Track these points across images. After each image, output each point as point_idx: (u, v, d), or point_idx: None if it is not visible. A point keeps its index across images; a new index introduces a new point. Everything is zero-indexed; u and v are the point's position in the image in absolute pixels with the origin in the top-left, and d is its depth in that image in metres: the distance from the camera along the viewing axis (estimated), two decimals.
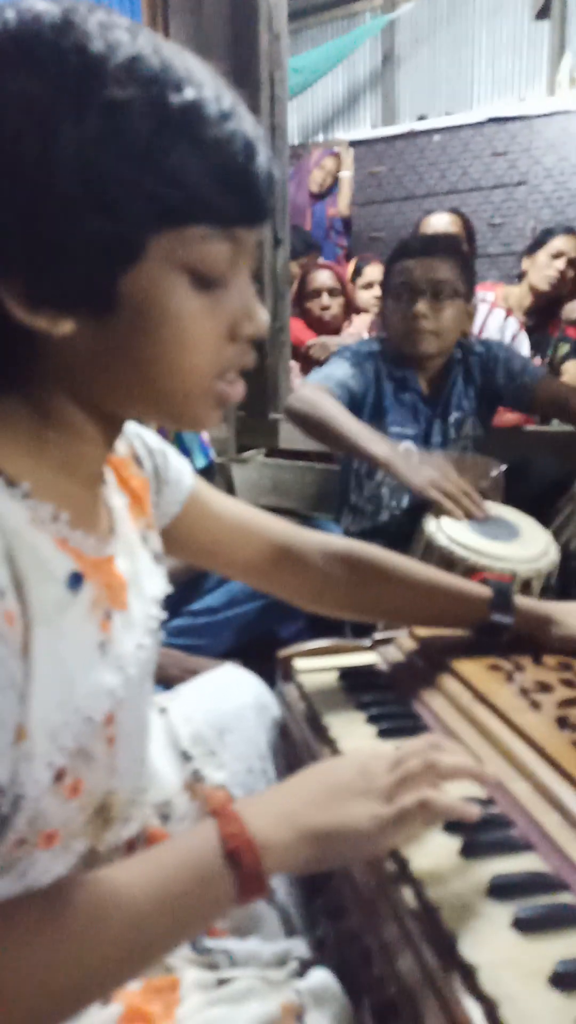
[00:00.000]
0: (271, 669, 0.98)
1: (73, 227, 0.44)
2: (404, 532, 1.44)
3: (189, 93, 0.45)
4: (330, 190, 4.70)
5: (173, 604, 1.57)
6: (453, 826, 0.60)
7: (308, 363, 2.85)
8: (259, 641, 1.47)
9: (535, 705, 0.76)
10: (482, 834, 0.59)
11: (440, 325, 1.58)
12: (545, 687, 0.79)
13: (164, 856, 0.51)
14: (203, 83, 0.46)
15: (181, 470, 0.76)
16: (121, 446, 0.68)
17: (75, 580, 0.52)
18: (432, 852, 0.58)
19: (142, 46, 0.45)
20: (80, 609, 0.52)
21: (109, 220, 0.44)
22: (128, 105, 0.43)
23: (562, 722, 0.72)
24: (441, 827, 0.60)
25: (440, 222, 2.52)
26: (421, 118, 4.63)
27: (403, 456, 1.37)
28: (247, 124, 0.47)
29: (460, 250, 1.66)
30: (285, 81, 2.29)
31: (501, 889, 0.54)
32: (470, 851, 0.58)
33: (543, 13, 4.48)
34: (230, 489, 2.42)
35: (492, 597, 0.85)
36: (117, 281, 0.47)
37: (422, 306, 1.55)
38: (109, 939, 0.47)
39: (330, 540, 0.85)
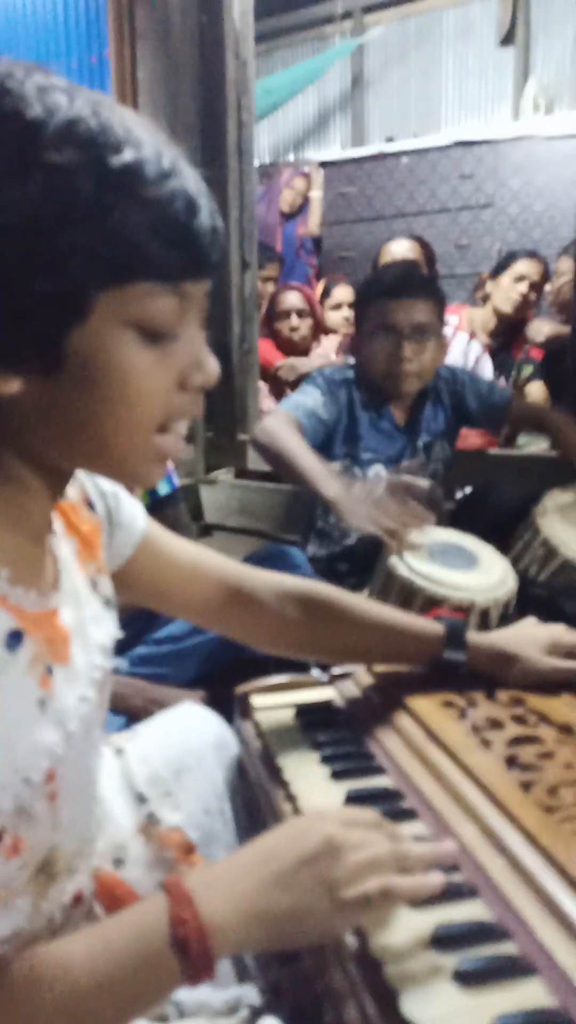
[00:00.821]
0: (233, 699, 0.98)
1: (18, 288, 0.45)
2: (370, 556, 1.45)
3: (128, 154, 0.46)
4: (300, 210, 4.74)
5: (137, 632, 1.56)
6: None
7: (277, 384, 2.86)
8: (223, 669, 1.47)
9: (485, 743, 0.77)
10: None
11: (423, 366, 1.61)
12: (496, 724, 0.81)
13: (110, 934, 0.51)
14: (142, 143, 0.47)
15: (134, 513, 0.77)
16: (72, 490, 0.68)
17: (13, 638, 0.52)
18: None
19: (80, 108, 0.46)
20: (18, 668, 0.52)
21: (54, 280, 0.45)
22: (67, 168, 0.44)
23: (511, 761, 0.73)
24: None
25: (400, 248, 2.56)
26: (390, 140, 4.69)
27: (350, 497, 1.40)
28: (188, 181, 0.48)
29: (436, 287, 1.67)
30: (252, 106, 2.31)
31: (444, 940, 0.54)
32: (417, 903, 0.58)
33: (508, 39, 4.57)
34: (198, 511, 2.42)
35: (445, 635, 0.86)
36: (64, 339, 0.47)
37: (408, 351, 1.58)
38: (43, 1019, 0.46)
39: (284, 580, 0.85)
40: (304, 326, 2.99)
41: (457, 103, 4.85)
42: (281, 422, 1.53)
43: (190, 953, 0.49)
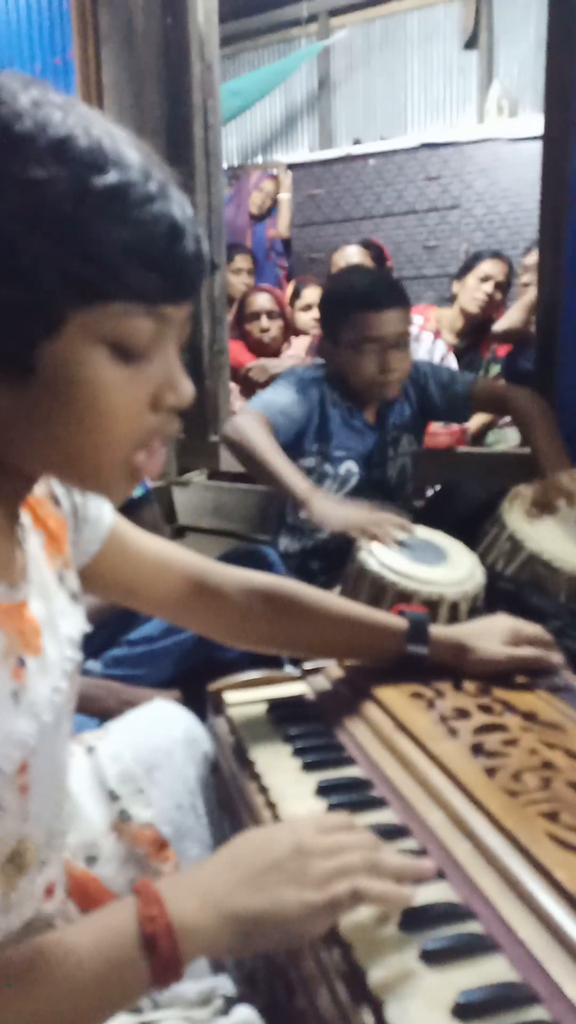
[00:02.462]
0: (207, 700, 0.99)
1: None
2: (342, 552, 1.46)
3: (112, 175, 0.46)
4: (269, 211, 4.76)
5: (111, 634, 1.56)
6: None
7: (248, 385, 2.87)
8: (198, 669, 1.47)
9: (452, 732, 0.78)
10: None
11: (404, 371, 1.64)
12: (463, 713, 0.82)
13: (78, 936, 0.50)
14: (131, 165, 0.47)
15: (100, 508, 0.77)
16: (39, 486, 0.69)
17: None
18: None
19: (72, 126, 0.46)
20: None
21: (26, 293, 0.46)
22: (49, 184, 0.45)
23: (477, 749, 0.75)
24: None
25: (348, 254, 2.63)
26: (356, 142, 4.73)
27: (321, 496, 1.42)
28: (174, 205, 0.49)
29: (405, 292, 1.68)
30: (218, 108, 2.32)
31: (411, 921, 0.55)
32: None
33: (471, 43, 4.63)
34: (171, 512, 2.42)
35: (407, 629, 0.88)
36: (34, 350, 0.48)
37: (394, 360, 1.60)
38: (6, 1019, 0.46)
39: (251, 576, 0.86)
40: (274, 327, 3.01)
41: (422, 106, 4.91)
42: (252, 420, 1.54)
43: (159, 952, 0.49)
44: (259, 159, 5.51)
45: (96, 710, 1.37)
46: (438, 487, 2.07)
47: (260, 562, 1.56)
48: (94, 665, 1.47)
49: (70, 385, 0.49)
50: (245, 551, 1.61)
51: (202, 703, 0.99)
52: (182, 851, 0.84)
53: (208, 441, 2.45)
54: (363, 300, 1.60)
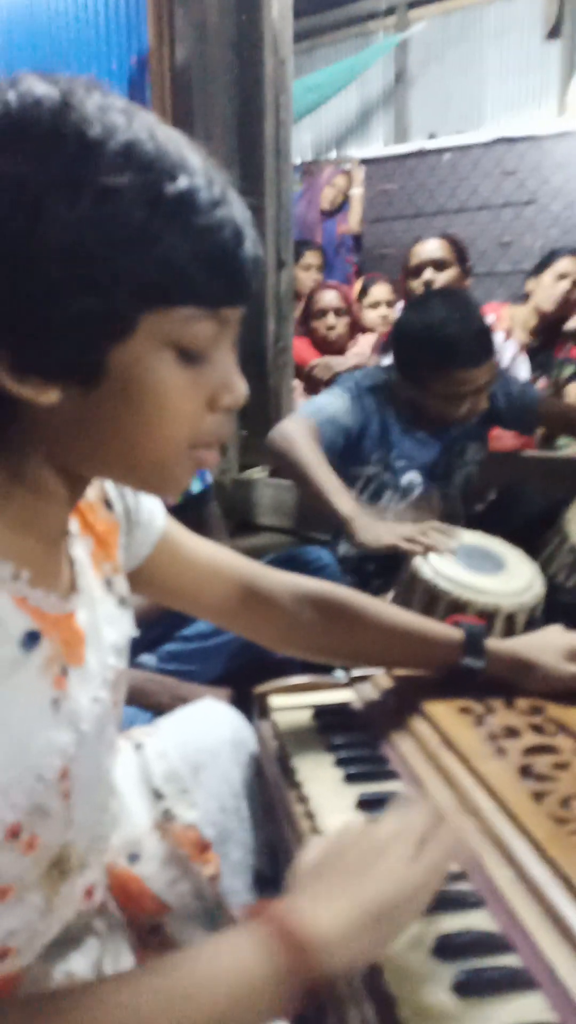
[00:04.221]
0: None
1: (64, 304, 0.46)
2: (399, 557, 1.44)
3: (183, 182, 0.46)
4: (341, 207, 4.71)
5: (167, 628, 1.58)
6: None
7: (312, 383, 2.86)
8: (250, 667, 1.48)
9: (501, 752, 0.76)
10: None
11: (482, 407, 1.59)
12: (513, 732, 0.80)
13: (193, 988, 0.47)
14: (196, 170, 0.48)
15: (153, 511, 0.77)
16: (91, 489, 0.70)
17: (30, 639, 0.53)
18: None
19: (137, 130, 0.46)
20: (33, 668, 0.53)
21: (100, 299, 0.46)
22: (123, 191, 0.45)
23: (525, 771, 0.73)
24: None
25: (429, 248, 2.53)
26: (432, 136, 4.65)
27: (363, 517, 1.38)
28: (236, 210, 0.49)
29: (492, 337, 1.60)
30: (290, 105, 2.31)
31: (446, 949, 0.54)
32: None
33: (554, 33, 4.49)
34: (231, 509, 2.44)
35: (463, 641, 0.86)
36: (106, 355, 0.48)
37: (480, 404, 1.56)
38: None
39: (301, 582, 0.86)
40: (341, 325, 2.98)
41: (500, 99, 4.79)
42: (299, 428, 1.51)
43: (301, 972, 0.48)
44: (332, 154, 5.47)
45: (150, 704, 1.39)
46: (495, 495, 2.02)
47: (312, 564, 1.55)
48: (149, 659, 1.49)
49: (138, 388, 0.50)
50: (298, 552, 1.60)
51: (252, 702, 0.99)
52: (224, 854, 0.84)
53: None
54: (462, 358, 1.49)
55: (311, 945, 0.48)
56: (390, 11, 5.01)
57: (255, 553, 2.21)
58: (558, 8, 4.42)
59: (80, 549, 0.64)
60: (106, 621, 0.65)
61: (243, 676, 1.44)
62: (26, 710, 0.52)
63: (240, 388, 0.55)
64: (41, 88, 0.46)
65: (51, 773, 0.54)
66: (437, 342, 1.50)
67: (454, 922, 0.57)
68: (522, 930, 0.56)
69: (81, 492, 0.60)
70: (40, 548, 0.57)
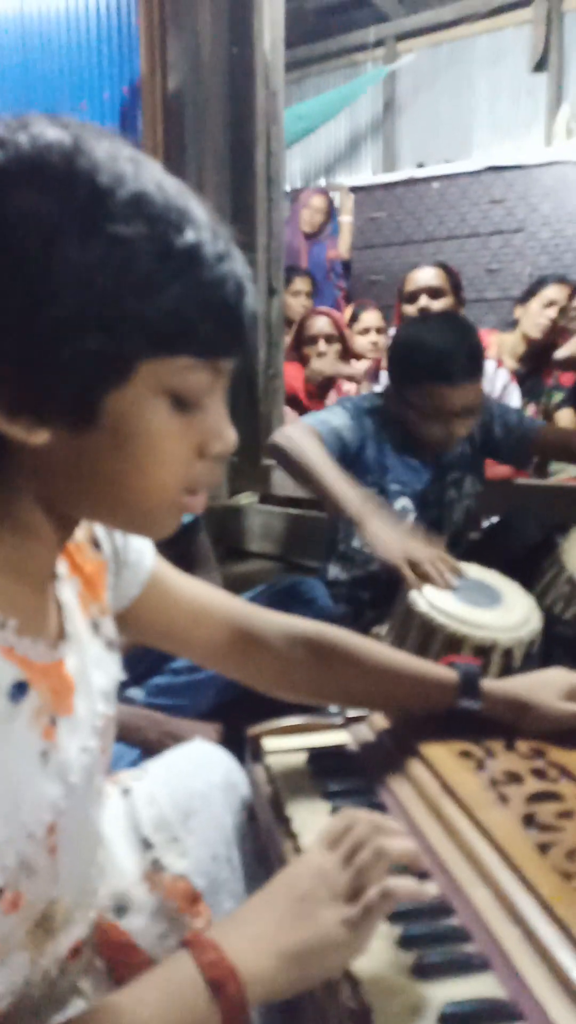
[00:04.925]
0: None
1: (66, 346, 0.45)
2: (393, 584, 1.42)
3: (190, 235, 0.47)
4: (321, 229, 4.68)
5: (155, 660, 1.55)
6: (408, 941, 0.58)
7: (300, 410, 2.86)
8: (240, 701, 1.45)
9: (503, 799, 0.74)
10: (437, 949, 0.57)
11: (469, 430, 1.59)
12: (515, 778, 0.77)
13: (142, 994, 0.51)
14: (201, 224, 0.48)
15: (141, 551, 0.75)
16: (79, 529, 0.68)
17: (18, 690, 0.51)
18: (383, 972, 0.56)
19: (146, 181, 0.47)
20: (22, 720, 0.51)
21: (103, 343, 0.46)
22: (132, 240, 0.45)
23: (528, 820, 0.70)
24: (394, 942, 0.58)
25: (426, 276, 2.55)
26: (420, 165, 4.70)
27: (376, 516, 1.34)
28: (238, 264, 0.50)
29: (482, 358, 1.58)
30: (281, 135, 2.33)
31: (453, 1019, 0.51)
32: (423, 972, 0.55)
33: (540, 65, 4.57)
34: (220, 535, 2.41)
35: (458, 682, 0.84)
36: (101, 399, 0.48)
37: (461, 427, 1.55)
38: None
39: (294, 623, 0.84)
40: (331, 351, 2.99)
41: (489, 128, 4.86)
42: (302, 430, 1.50)
43: (227, 995, 0.49)
44: (322, 182, 5.53)
45: (137, 740, 1.36)
46: (494, 519, 2.01)
47: (304, 594, 1.53)
48: (137, 693, 1.46)
49: (130, 434, 0.49)
50: (289, 583, 1.57)
51: (243, 738, 0.96)
52: (215, 904, 0.81)
53: (260, 465, 2.44)
54: (440, 373, 1.48)
55: (232, 968, 0.50)
56: (379, 43, 5.10)
57: (245, 581, 2.19)
58: (544, 40, 4.51)
59: (68, 591, 0.62)
60: (94, 665, 0.63)
61: (233, 710, 1.41)
62: (15, 764, 0.50)
63: (230, 437, 0.55)
64: (52, 132, 0.46)
65: (40, 829, 0.52)
66: (422, 354, 1.50)
67: (459, 988, 0.54)
68: (531, 997, 0.53)
69: (70, 533, 0.58)
70: (28, 593, 0.56)
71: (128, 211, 0.45)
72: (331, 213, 4.61)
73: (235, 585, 2.04)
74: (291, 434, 1.51)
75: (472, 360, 1.52)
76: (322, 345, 2.97)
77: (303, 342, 3.02)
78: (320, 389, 2.97)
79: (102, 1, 2.16)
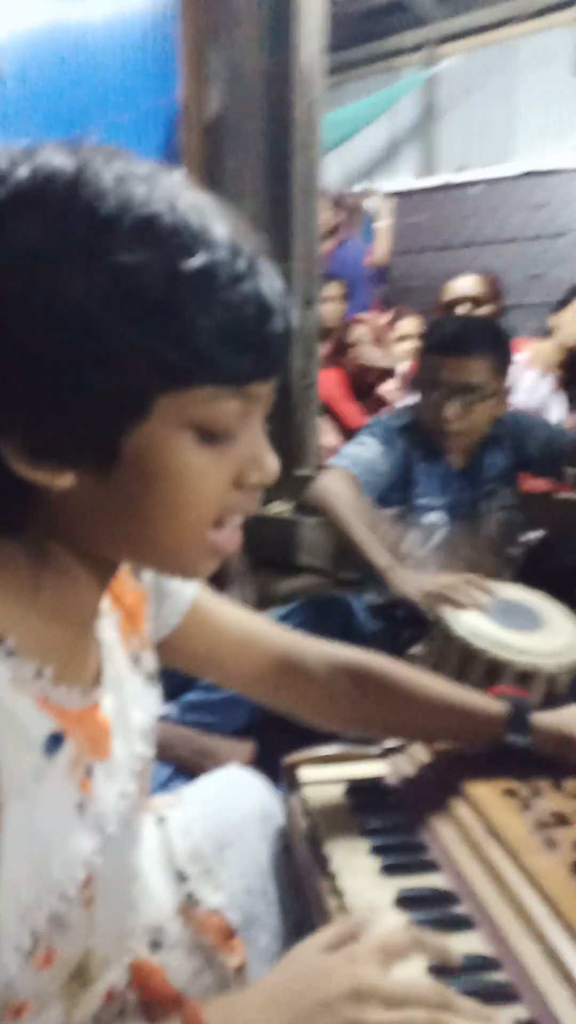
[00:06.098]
0: (284, 749, 0.94)
1: (78, 385, 0.43)
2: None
3: (201, 257, 0.43)
4: (335, 230, 4.55)
5: (187, 677, 1.54)
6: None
7: (337, 420, 2.83)
8: (274, 718, 1.43)
9: (550, 844, 0.71)
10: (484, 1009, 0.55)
11: (470, 426, 1.55)
12: (562, 820, 0.74)
13: None
14: (218, 243, 0.44)
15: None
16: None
17: (53, 742, 0.50)
18: None
19: (156, 202, 0.44)
20: (58, 773, 0.50)
21: (115, 380, 0.44)
22: (138, 268, 0.42)
23: None
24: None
25: (465, 285, 2.50)
26: (460, 169, 4.65)
27: (400, 569, 1.38)
28: (263, 282, 0.46)
29: (496, 343, 1.56)
30: (319, 144, 2.31)
31: None
32: None
33: None
34: (256, 547, 2.40)
35: (507, 715, 0.81)
36: (121, 438, 0.45)
37: (451, 410, 1.52)
38: None
39: (336, 652, 0.82)
40: None
41: (530, 132, 4.79)
42: (338, 481, 1.52)
43: None
44: (360, 186, 5.50)
45: (169, 757, 1.35)
46: (533, 536, 1.96)
47: (341, 611, 1.51)
48: (171, 710, 1.45)
49: (155, 471, 0.47)
50: (326, 599, 1.56)
51: (277, 757, 0.94)
52: (251, 939, 0.79)
53: (293, 475, 2.42)
54: (436, 342, 1.56)
55: None
56: (419, 47, 5.06)
57: (282, 594, 2.17)
58: None
59: (109, 628, 0.61)
60: (133, 703, 0.62)
61: (267, 728, 1.39)
62: (51, 820, 0.49)
63: (271, 465, 0.52)
64: (57, 160, 0.43)
65: (73, 888, 0.50)
66: (430, 330, 1.67)
67: None
68: None
69: (110, 575, 0.57)
70: (68, 637, 0.54)
71: (134, 237, 0.42)
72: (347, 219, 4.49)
73: (270, 599, 2.02)
74: (324, 485, 1.53)
75: (472, 336, 1.54)
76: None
77: (341, 349, 2.99)
78: (358, 391, 2.94)
79: (141, 13, 2.17)
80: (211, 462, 0.48)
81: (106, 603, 0.62)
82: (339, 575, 2.25)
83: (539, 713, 0.83)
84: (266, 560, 2.40)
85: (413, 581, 1.33)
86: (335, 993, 0.48)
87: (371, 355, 2.90)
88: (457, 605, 1.24)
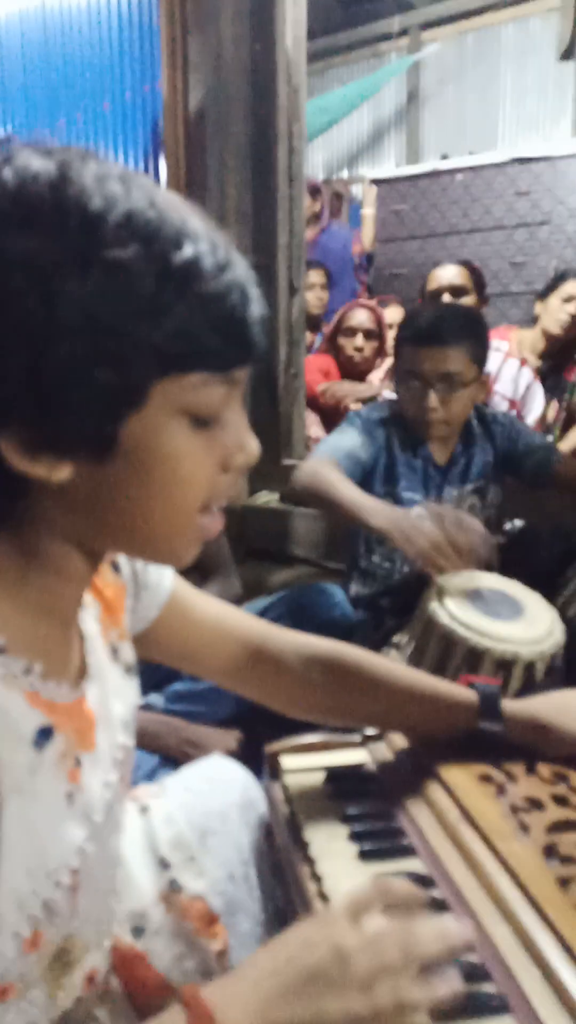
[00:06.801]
0: (269, 737, 0.96)
1: (77, 379, 0.45)
2: (414, 595, 1.40)
3: (187, 250, 0.46)
4: (317, 217, 4.52)
5: (172, 667, 1.55)
6: None
7: (322, 410, 2.84)
8: (260, 708, 1.44)
9: (523, 828, 0.72)
10: None
11: (451, 415, 1.55)
12: (536, 804, 0.76)
13: None
14: (198, 235, 0.47)
15: (161, 573, 0.75)
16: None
17: (43, 736, 0.51)
18: None
19: (137, 199, 0.45)
20: (49, 765, 0.51)
21: (112, 372, 0.45)
22: (130, 264, 0.44)
23: (549, 851, 0.69)
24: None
25: (447, 274, 2.50)
26: (444, 157, 4.64)
27: (402, 524, 1.31)
28: (240, 271, 0.49)
29: (472, 330, 1.56)
30: (303, 132, 2.31)
31: None
32: (442, 1015, 0.54)
33: (568, 54, 4.49)
34: (241, 536, 2.41)
35: (479, 704, 0.82)
36: (119, 427, 0.47)
37: (433, 400, 1.52)
38: None
39: (309, 642, 0.83)
40: (368, 347, 2.92)
41: (515, 120, 4.79)
42: (320, 464, 1.51)
43: None
44: (344, 174, 5.48)
45: (156, 747, 1.36)
46: (513, 525, 1.98)
47: (324, 600, 1.52)
48: (157, 700, 1.46)
49: (151, 458, 0.49)
50: (309, 589, 1.57)
51: (262, 746, 0.96)
52: (232, 925, 0.81)
53: (280, 465, 2.43)
54: (412, 333, 1.55)
55: None
56: (403, 33, 5.03)
57: (267, 583, 2.18)
58: (572, 29, 4.42)
59: (90, 620, 0.62)
60: (114, 695, 0.63)
61: (252, 717, 1.41)
62: (45, 813, 0.51)
63: (253, 447, 0.54)
64: (37, 163, 0.44)
65: (66, 876, 0.52)
66: (405, 318, 1.65)
67: None
68: None
69: (97, 567, 0.58)
70: (55, 631, 0.55)
71: (122, 233, 0.44)
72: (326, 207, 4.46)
73: (262, 589, 2.03)
74: (306, 468, 1.52)
75: (450, 326, 1.53)
76: (359, 339, 2.90)
77: (341, 332, 2.94)
78: (349, 378, 2.92)
79: (123, 1, 2.15)
80: (202, 446, 0.50)
81: (87, 596, 0.63)
82: (328, 565, 2.27)
83: (511, 700, 0.85)
84: (258, 550, 2.41)
85: (416, 537, 1.26)
86: (319, 956, 0.50)
87: (343, 389, 2.84)
88: (445, 569, 1.23)
